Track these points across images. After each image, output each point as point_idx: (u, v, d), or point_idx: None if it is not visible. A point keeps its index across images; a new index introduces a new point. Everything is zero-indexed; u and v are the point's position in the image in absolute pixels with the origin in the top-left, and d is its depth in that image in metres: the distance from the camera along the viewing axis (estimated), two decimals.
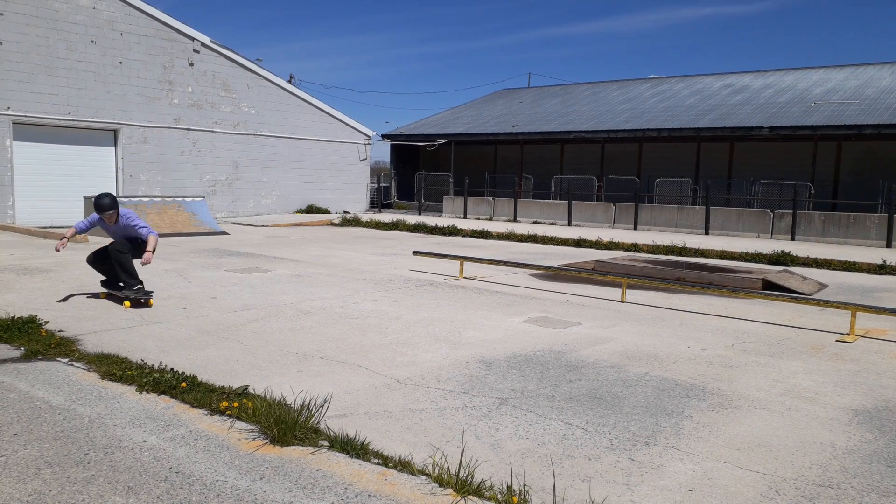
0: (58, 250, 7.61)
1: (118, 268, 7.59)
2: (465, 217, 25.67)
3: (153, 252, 7.61)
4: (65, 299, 7.74)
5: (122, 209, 7.79)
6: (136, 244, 7.76)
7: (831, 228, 17.98)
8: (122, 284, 7.67)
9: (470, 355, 5.68)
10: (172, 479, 3.26)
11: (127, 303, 7.47)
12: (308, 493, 3.14)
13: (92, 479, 3.25)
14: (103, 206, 7.53)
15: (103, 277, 7.93)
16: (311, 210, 24.87)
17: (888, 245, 16.64)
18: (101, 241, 13.16)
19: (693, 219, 20.67)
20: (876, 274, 12.06)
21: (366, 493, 3.15)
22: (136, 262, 7.70)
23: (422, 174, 30.34)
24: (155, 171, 20.68)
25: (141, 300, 7.51)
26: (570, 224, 22.80)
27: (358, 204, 27.13)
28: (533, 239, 17.03)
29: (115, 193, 19.46)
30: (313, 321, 6.88)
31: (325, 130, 25.63)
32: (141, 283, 7.66)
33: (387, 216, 23.53)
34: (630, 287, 9.30)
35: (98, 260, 7.84)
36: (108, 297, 7.90)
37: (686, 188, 24.08)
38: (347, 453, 3.53)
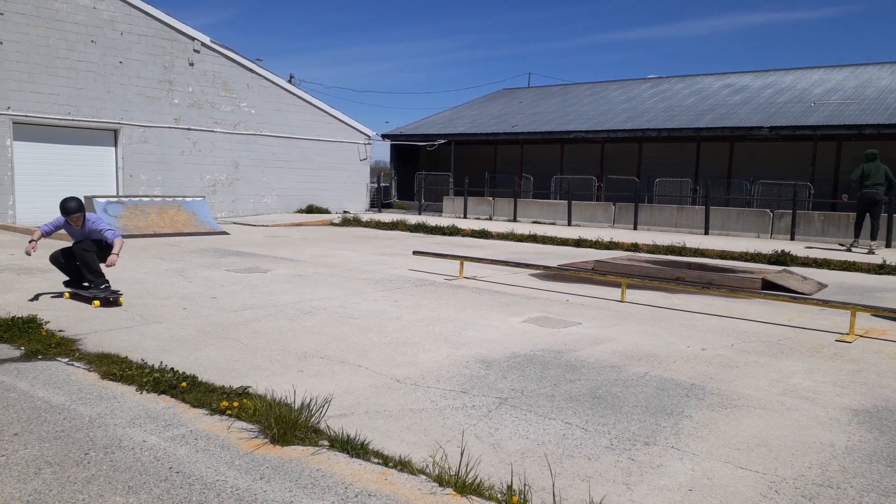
0: (28, 254, 7.57)
1: (84, 267, 7.58)
2: (465, 217, 25.67)
3: (118, 255, 7.66)
4: (34, 298, 7.71)
5: (88, 214, 7.78)
6: (101, 247, 7.76)
7: (831, 228, 17.97)
8: (86, 284, 7.66)
9: (470, 355, 5.68)
10: (173, 478, 3.27)
11: (96, 302, 7.39)
12: (308, 492, 3.15)
13: (92, 478, 3.25)
14: (69, 209, 7.51)
15: (66, 277, 7.91)
16: (311, 210, 24.87)
17: (888, 245, 16.64)
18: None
19: (693, 219, 20.67)
20: (875, 274, 12.06)
21: (366, 492, 3.15)
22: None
23: (422, 174, 30.34)
24: (155, 170, 20.68)
25: (110, 299, 7.46)
26: (569, 224, 22.80)
27: (358, 204, 27.13)
28: (533, 239, 17.03)
29: (115, 193, 19.52)
30: (313, 321, 6.88)
31: (325, 130, 25.62)
32: (107, 281, 7.65)
33: (387, 216, 23.52)
34: (630, 287, 9.30)
35: (63, 258, 7.82)
36: (74, 296, 7.80)
37: (686, 188, 24.09)
38: (347, 453, 3.54)
